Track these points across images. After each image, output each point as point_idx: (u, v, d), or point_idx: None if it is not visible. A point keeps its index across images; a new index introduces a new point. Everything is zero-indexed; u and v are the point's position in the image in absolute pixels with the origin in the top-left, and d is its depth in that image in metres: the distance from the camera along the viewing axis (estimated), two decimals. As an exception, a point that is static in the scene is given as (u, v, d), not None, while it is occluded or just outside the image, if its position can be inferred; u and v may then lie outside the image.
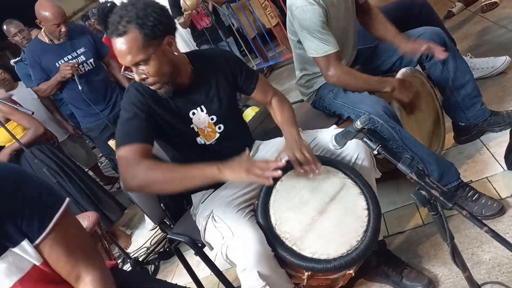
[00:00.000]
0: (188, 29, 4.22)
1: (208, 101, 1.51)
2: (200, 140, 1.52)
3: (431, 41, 1.80)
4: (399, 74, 1.80)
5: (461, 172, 1.75)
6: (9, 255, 0.96)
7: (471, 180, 1.75)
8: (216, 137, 1.54)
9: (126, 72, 1.38)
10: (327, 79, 1.76)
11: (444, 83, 1.92)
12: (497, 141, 1.95)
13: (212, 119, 1.52)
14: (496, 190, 1.71)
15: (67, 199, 1.05)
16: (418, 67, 1.96)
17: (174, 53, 1.36)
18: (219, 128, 1.54)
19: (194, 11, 3.74)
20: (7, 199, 0.95)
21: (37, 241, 0.98)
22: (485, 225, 0.86)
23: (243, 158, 1.28)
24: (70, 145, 3.80)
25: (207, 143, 1.53)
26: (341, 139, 1.13)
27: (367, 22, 1.98)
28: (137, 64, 1.30)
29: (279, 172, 1.21)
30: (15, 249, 0.96)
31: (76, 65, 2.66)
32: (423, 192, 0.92)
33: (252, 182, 1.32)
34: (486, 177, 1.80)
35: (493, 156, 1.89)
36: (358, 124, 1.05)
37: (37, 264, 0.99)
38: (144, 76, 1.32)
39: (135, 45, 1.25)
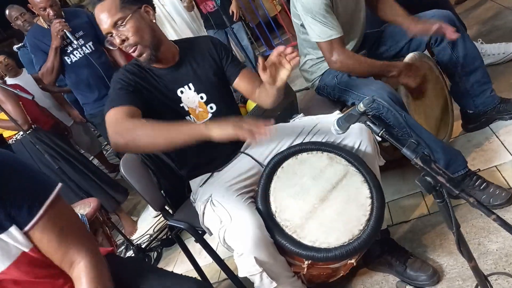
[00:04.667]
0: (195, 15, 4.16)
1: (196, 79, 1.51)
2: (189, 119, 1.50)
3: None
4: (406, 59, 1.74)
5: (469, 161, 1.70)
6: None
7: (479, 169, 1.70)
8: (209, 117, 1.52)
9: (109, 38, 1.41)
10: (330, 65, 1.71)
11: (453, 68, 1.85)
12: (507, 129, 1.89)
13: (201, 97, 1.51)
14: (505, 179, 1.66)
15: (59, 185, 1.03)
16: (426, 52, 1.90)
17: (153, 20, 1.45)
18: (211, 108, 1.53)
19: None
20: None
21: (27, 228, 0.96)
22: (493, 212, 0.82)
23: (231, 118, 1.21)
24: (75, 132, 3.80)
25: (198, 122, 1.50)
26: (344, 123, 1.08)
27: (374, 4, 1.91)
28: (115, 25, 1.37)
29: (267, 134, 1.12)
30: (3, 236, 0.94)
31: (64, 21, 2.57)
32: (429, 179, 0.88)
33: (238, 136, 1.16)
34: (495, 166, 1.75)
35: (503, 144, 1.83)
36: (361, 106, 1.01)
37: (26, 250, 0.97)
38: (123, 36, 1.38)
39: (113, 6, 1.36)
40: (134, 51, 1.40)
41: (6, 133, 2.85)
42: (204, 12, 4.00)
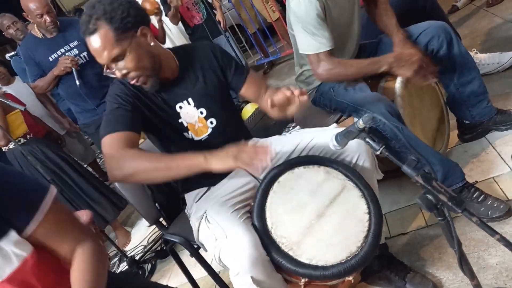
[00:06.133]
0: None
1: (195, 94, 1.46)
2: (187, 135, 1.46)
3: (436, 36, 1.74)
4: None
5: (466, 172, 1.68)
6: None
7: (476, 181, 1.69)
8: (209, 132, 1.49)
9: (108, 71, 1.33)
10: (317, 77, 1.70)
11: (449, 79, 1.85)
12: (503, 140, 1.88)
13: (201, 112, 1.47)
14: (503, 191, 1.65)
15: (53, 189, 1.04)
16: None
17: (151, 44, 1.34)
18: (211, 122, 1.49)
19: (179, 1, 3.61)
20: None
21: (28, 232, 0.98)
22: (497, 232, 0.80)
23: (229, 147, 1.19)
24: (68, 140, 3.75)
25: (196, 138, 1.48)
26: (342, 139, 1.06)
27: (373, 12, 1.89)
28: (115, 60, 1.29)
29: (269, 162, 1.11)
30: (4, 241, 0.94)
31: (76, 59, 2.60)
32: (430, 197, 0.86)
33: (240, 168, 1.18)
34: (493, 177, 1.74)
35: (500, 155, 1.82)
36: (360, 123, 0.99)
37: (26, 255, 0.97)
38: (125, 71, 1.30)
39: (108, 40, 1.25)
40: (136, 82, 1.34)
41: None
42: (191, 25, 3.96)
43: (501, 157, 1.80)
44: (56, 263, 1.08)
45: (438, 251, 1.59)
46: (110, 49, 1.25)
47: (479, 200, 1.57)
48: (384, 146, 0.95)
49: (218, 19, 4.01)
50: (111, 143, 1.28)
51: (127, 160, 1.23)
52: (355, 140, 1.22)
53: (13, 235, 0.96)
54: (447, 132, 1.97)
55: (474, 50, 2.43)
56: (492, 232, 0.79)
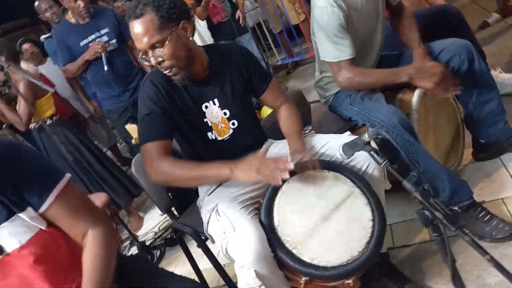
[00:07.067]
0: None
1: (222, 95, 1.52)
2: (211, 135, 1.53)
3: (458, 54, 1.75)
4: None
5: (476, 190, 1.70)
6: (16, 219, 1.04)
7: (484, 201, 1.69)
8: (230, 133, 1.55)
9: (144, 57, 1.40)
10: (337, 84, 1.74)
11: (468, 97, 1.86)
12: (517, 162, 1.89)
13: (225, 113, 1.53)
14: (510, 213, 1.67)
15: (68, 175, 1.13)
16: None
17: (189, 38, 1.41)
18: (233, 124, 1.55)
19: None
20: (12, 170, 1.04)
21: (40, 210, 1.07)
22: (487, 253, 0.83)
23: (254, 157, 1.30)
24: (91, 124, 3.89)
25: (219, 138, 1.54)
26: (349, 149, 1.11)
27: (397, 24, 1.92)
28: (153, 47, 1.35)
29: (287, 175, 1.21)
30: (21, 214, 1.05)
31: (106, 46, 2.70)
32: (427, 213, 0.90)
33: (261, 181, 1.33)
34: (502, 198, 1.75)
35: (512, 177, 1.83)
36: (366, 137, 1.04)
37: (43, 228, 1.07)
38: (160, 59, 1.36)
39: (151, 26, 1.31)
40: (168, 72, 1.40)
41: None
42: (214, 22, 4.01)
43: (513, 179, 1.81)
44: (69, 240, 1.15)
45: (439, 265, 1.62)
46: (151, 36, 1.32)
47: (484, 219, 1.59)
48: (387, 161, 0.99)
49: (238, 15, 4.05)
50: (149, 152, 1.40)
51: (164, 169, 1.37)
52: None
53: (30, 210, 1.06)
54: (461, 149, 1.98)
55: (498, 69, 2.42)
56: (483, 252, 0.83)
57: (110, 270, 1.12)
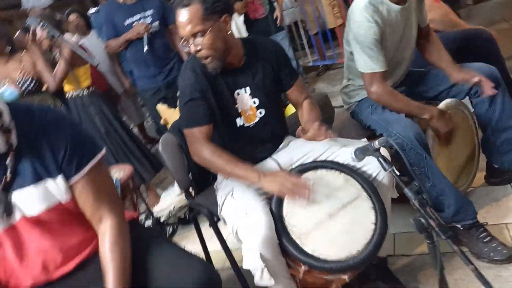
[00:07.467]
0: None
1: (253, 84, 1.64)
2: (239, 121, 1.64)
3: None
4: (442, 104, 1.82)
5: (482, 213, 1.77)
6: (42, 185, 1.10)
7: (487, 223, 1.76)
8: (256, 121, 1.66)
9: (184, 43, 1.52)
10: (369, 95, 1.82)
11: (487, 122, 1.91)
12: (527, 191, 1.94)
13: (254, 102, 1.65)
14: (511, 238, 1.72)
15: (104, 149, 1.21)
16: (465, 100, 1.96)
17: (228, 32, 1.53)
18: (260, 112, 1.66)
19: None
20: (56, 137, 1.11)
21: (72, 181, 1.14)
22: (472, 263, 0.92)
23: (281, 172, 1.47)
24: (123, 100, 4.05)
25: (246, 124, 1.65)
26: (360, 154, 1.21)
27: (423, 45, 2.00)
28: (194, 36, 1.46)
29: (306, 197, 1.37)
30: (50, 181, 1.11)
31: (149, 27, 2.85)
32: (422, 220, 0.99)
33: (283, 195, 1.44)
34: (505, 223, 1.81)
35: (520, 204, 1.88)
36: (376, 144, 1.13)
37: (66, 200, 1.14)
38: (199, 47, 1.48)
39: (196, 16, 1.43)
40: (204, 59, 1.52)
41: (66, 87, 2.96)
42: (251, 18, 4.04)
43: (520, 207, 1.87)
44: (84, 218, 1.22)
45: (435, 278, 1.65)
46: (194, 25, 1.43)
47: (484, 240, 1.65)
48: (393, 168, 1.08)
49: (276, 15, 4.10)
50: (193, 136, 1.56)
51: (205, 155, 1.53)
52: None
53: (60, 179, 1.12)
54: (474, 171, 2.04)
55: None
56: (467, 262, 0.91)
57: (127, 257, 1.18)
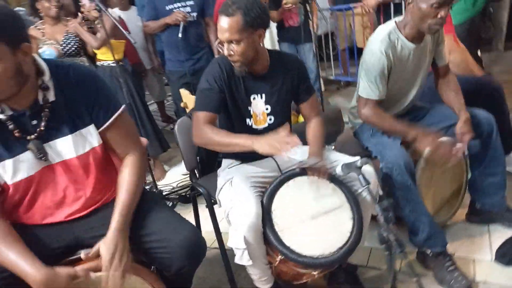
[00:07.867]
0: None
1: (269, 92, 1.80)
2: (248, 121, 1.81)
3: (480, 124, 1.95)
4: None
5: (454, 245, 1.92)
6: (78, 133, 1.34)
7: (454, 253, 1.91)
8: (265, 126, 1.83)
9: (219, 45, 1.70)
10: (359, 115, 1.98)
11: (478, 164, 2.06)
12: (501, 234, 2.06)
13: (267, 109, 1.81)
14: (474, 273, 1.87)
15: (124, 106, 1.45)
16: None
17: (260, 44, 1.69)
18: (270, 119, 1.83)
19: (293, 5, 3.85)
20: (88, 91, 1.33)
21: (102, 128, 1.38)
22: (417, 275, 1.09)
23: (272, 134, 1.55)
24: (149, 76, 4.25)
25: (254, 126, 1.82)
26: (345, 168, 1.38)
27: (440, 83, 2.11)
28: (230, 42, 1.62)
29: (289, 148, 1.46)
30: (83, 130, 1.35)
31: (187, 16, 3.05)
32: (385, 234, 1.16)
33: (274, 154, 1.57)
34: (473, 259, 1.96)
35: (491, 245, 2.03)
36: (358, 163, 1.30)
37: (97, 145, 1.39)
38: (231, 53, 1.64)
39: (235, 26, 1.57)
40: (234, 63, 1.67)
41: (100, 55, 3.22)
42: (286, 25, 4.13)
43: (490, 247, 2.01)
44: (112, 163, 1.49)
45: None
46: (232, 33, 1.57)
47: (448, 269, 1.81)
48: (368, 186, 1.25)
49: (314, 25, 4.17)
50: (199, 119, 1.69)
51: (206, 134, 1.66)
52: (367, 175, 1.52)
53: (92, 127, 1.36)
54: (457, 206, 2.19)
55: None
56: (414, 275, 1.08)
57: (140, 188, 1.44)
